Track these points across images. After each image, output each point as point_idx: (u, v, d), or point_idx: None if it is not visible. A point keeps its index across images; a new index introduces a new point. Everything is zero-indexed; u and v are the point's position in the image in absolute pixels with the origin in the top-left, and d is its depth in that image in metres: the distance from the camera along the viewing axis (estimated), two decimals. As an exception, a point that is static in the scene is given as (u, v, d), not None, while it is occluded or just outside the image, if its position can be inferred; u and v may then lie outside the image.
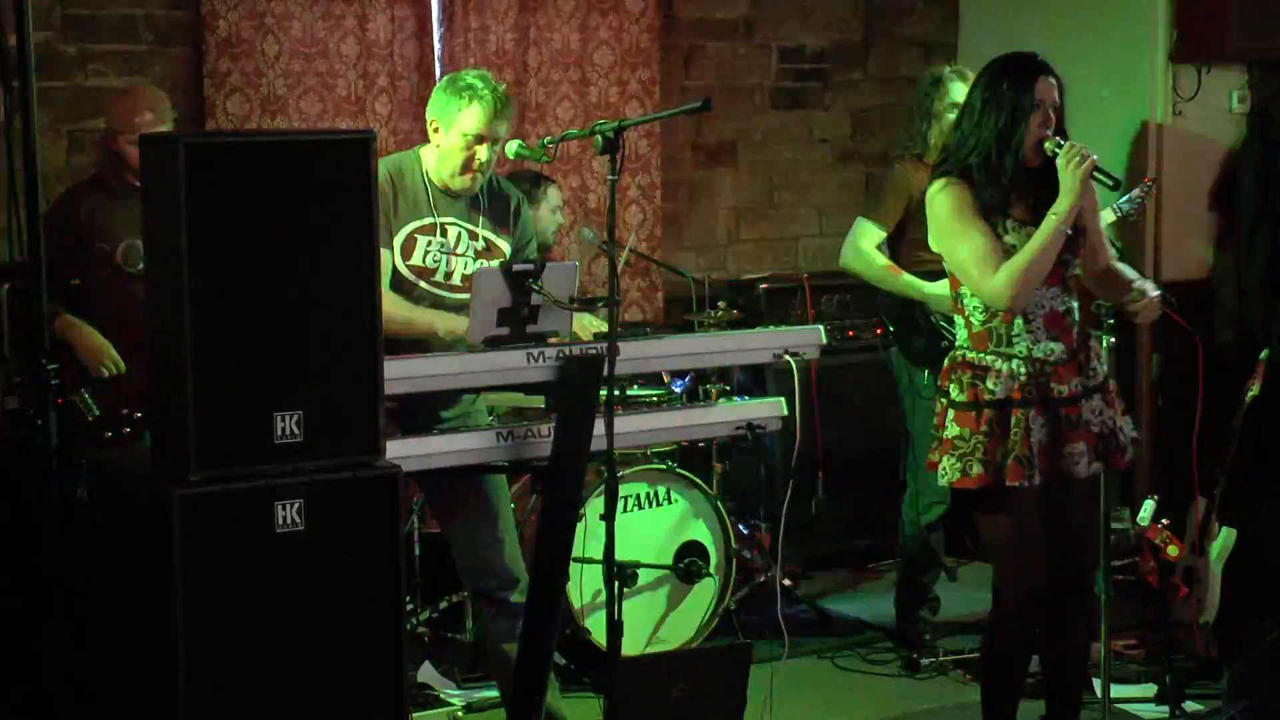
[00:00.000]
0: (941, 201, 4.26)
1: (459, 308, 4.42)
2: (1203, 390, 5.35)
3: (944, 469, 4.28)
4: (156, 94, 5.24)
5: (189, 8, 5.97)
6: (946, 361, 4.38)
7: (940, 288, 5.11)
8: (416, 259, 4.47)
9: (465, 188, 4.49)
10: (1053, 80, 4.25)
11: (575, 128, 6.25)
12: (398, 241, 4.45)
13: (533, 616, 4.28)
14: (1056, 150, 4.19)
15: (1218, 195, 6.59)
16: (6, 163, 3.65)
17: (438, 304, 4.48)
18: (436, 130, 4.49)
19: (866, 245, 5.51)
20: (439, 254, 4.49)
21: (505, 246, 4.59)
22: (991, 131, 4.22)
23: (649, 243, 6.66)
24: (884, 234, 5.51)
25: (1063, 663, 4.51)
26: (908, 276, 5.44)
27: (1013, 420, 4.22)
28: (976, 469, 4.23)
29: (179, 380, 3.33)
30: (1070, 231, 4.19)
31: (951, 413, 4.29)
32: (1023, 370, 4.24)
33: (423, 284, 4.48)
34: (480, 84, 4.45)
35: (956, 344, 4.37)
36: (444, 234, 4.51)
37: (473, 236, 4.54)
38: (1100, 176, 4.19)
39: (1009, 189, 4.23)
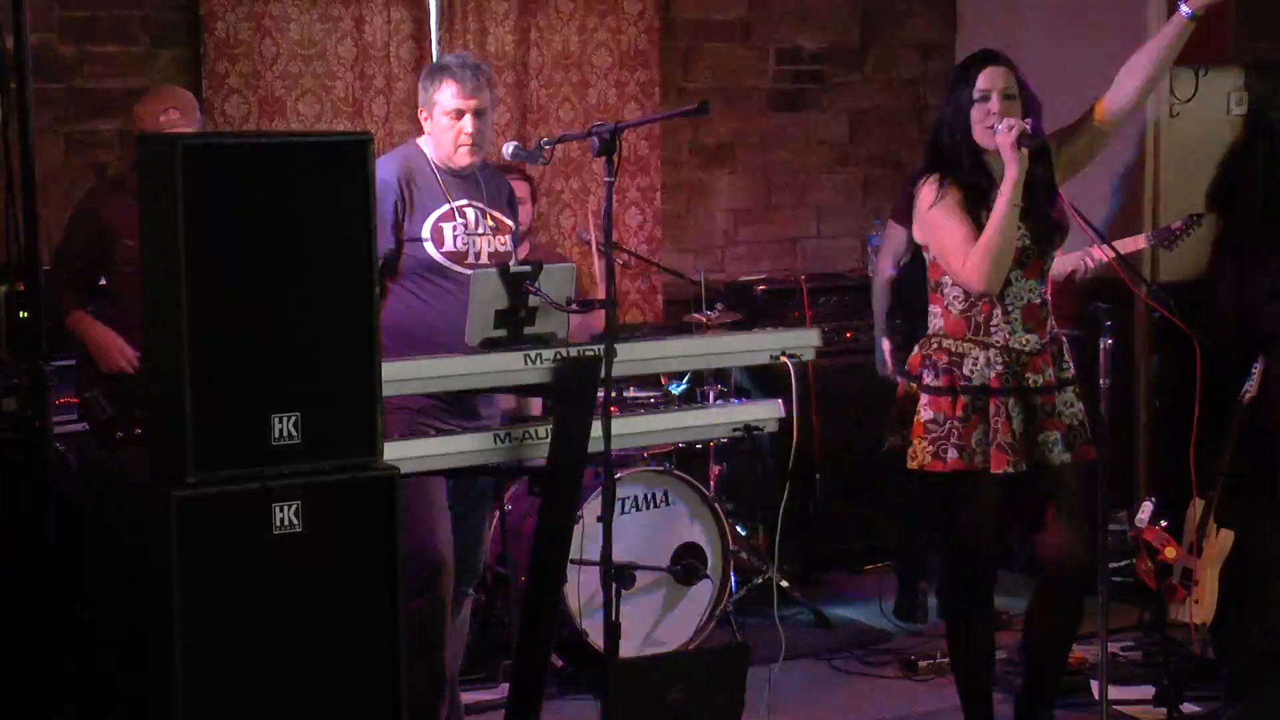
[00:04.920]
0: (923, 195, 4.38)
1: None
2: (1200, 392, 5.35)
3: (915, 452, 4.34)
4: (183, 94, 5.24)
5: (187, 9, 5.96)
6: (918, 349, 4.44)
7: None
8: (449, 245, 4.51)
9: (467, 164, 4.54)
10: (1000, 68, 4.34)
11: (575, 129, 6.26)
12: (426, 233, 4.49)
13: (531, 618, 4.28)
14: (997, 131, 4.29)
15: (1216, 197, 6.59)
16: (4, 164, 3.65)
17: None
18: (427, 118, 4.57)
19: None
20: (466, 236, 4.52)
21: (510, 222, 4.66)
22: (945, 130, 4.37)
23: (648, 245, 6.66)
24: None
25: (1041, 655, 4.55)
26: None
27: (992, 408, 4.30)
28: (951, 454, 4.31)
29: (176, 382, 3.34)
30: (1021, 204, 4.27)
31: (925, 397, 4.36)
32: (999, 359, 4.32)
33: (457, 268, 4.50)
34: (452, 61, 4.57)
35: (930, 331, 4.42)
36: (463, 216, 4.54)
37: (484, 215, 4.59)
38: (1023, 141, 4.24)
39: (985, 180, 4.31)
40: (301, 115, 6.04)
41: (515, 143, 4.56)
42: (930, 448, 4.34)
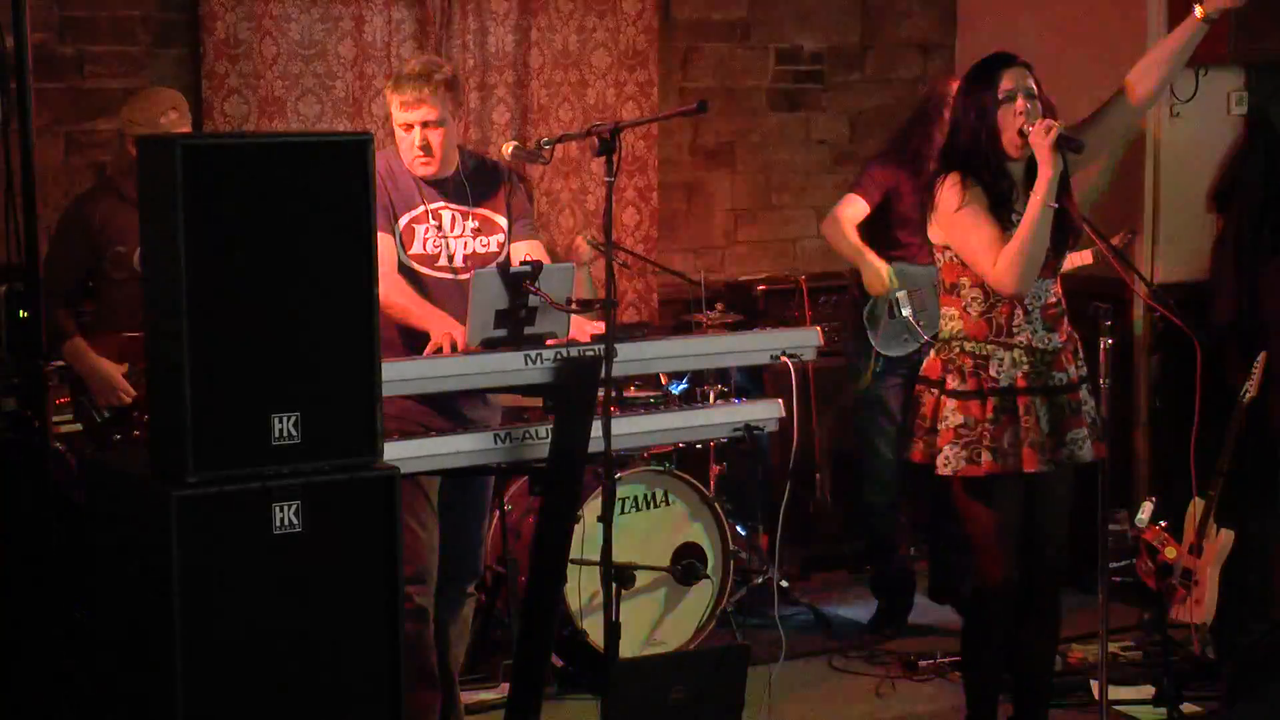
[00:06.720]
0: (947, 196, 4.32)
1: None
2: (1200, 392, 5.35)
3: (947, 458, 4.31)
4: (177, 94, 5.24)
5: (187, 9, 5.96)
6: (935, 353, 4.42)
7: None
8: (417, 248, 4.48)
9: (423, 175, 4.49)
10: (1020, 68, 4.32)
11: (575, 129, 6.26)
12: (396, 234, 4.46)
13: (531, 618, 4.28)
14: (1028, 132, 4.25)
15: (1216, 197, 6.59)
16: (4, 164, 3.65)
17: (445, 289, 4.47)
18: (392, 128, 4.53)
19: None
20: (438, 239, 4.49)
21: (502, 221, 4.59)
22: (968, 133, 4.31)
23: (645, 244, 6.66)
24: None
25: (1030, 657, 4.54)
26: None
27: (1021, 408, 4.28)
28: (985, 457, 4.28)
29: (176, 382, 3.33)
30: (1056, 205, 4.23)
31: (953, 402, 4.32)
32: (1025, 359, 4.30)
33: (427, 270, 4.48)
34: (403, 71, 4.48)
35: (945, 335, 4.40)
36: (436, 218, 4.51)
37: (465, 216, 4.55)
38: (1063, 143, 4.21)
39: (1005, 183, 4.29)
40: (301, 115, 6.04)
41: (515, 143, 4.55)
42: (964, 452, 4.31)
